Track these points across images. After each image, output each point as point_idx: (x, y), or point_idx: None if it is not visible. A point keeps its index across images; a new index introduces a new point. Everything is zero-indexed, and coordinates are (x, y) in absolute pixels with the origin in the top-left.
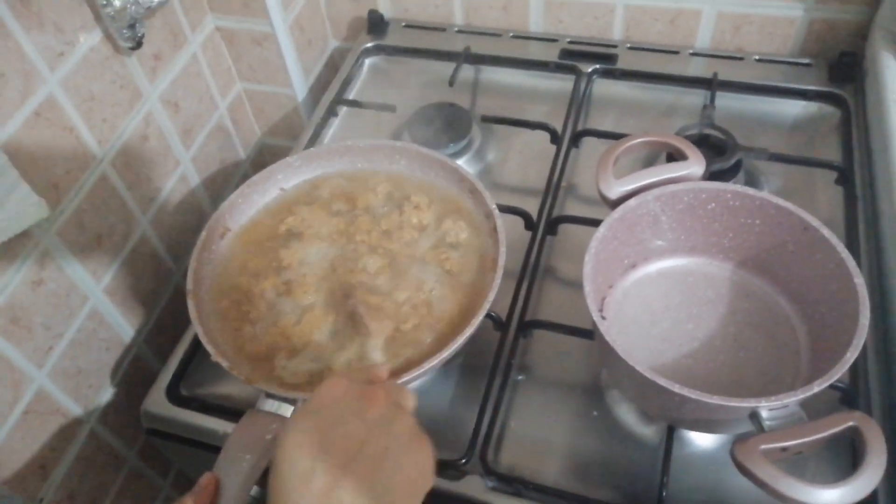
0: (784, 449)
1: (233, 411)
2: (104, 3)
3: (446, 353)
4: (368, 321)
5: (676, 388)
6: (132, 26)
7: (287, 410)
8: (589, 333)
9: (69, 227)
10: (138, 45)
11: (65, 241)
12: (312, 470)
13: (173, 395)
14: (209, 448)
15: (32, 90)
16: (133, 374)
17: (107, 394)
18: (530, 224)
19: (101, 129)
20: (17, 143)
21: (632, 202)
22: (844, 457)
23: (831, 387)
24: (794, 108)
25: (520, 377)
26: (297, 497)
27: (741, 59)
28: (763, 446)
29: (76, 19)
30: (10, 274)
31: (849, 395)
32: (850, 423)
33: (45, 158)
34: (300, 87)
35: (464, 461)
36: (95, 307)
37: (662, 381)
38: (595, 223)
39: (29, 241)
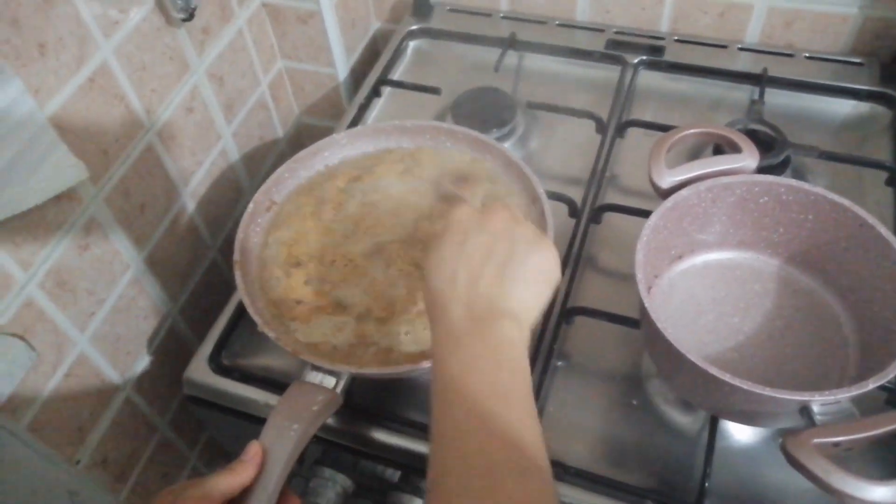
0: (836, 444)
1: (273, 382)
2: None
3: None
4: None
5: (728, 378)
6: None
7: (331, 383)
8: (632, 322)
9: (115, 194)
10: (191, 16)
11: (111, 209)
12: (455, 274)
13: (215, 363)
14: (247, 417)
15: (88, 56)
16: (168, 344)
17: (143, 362)
18: (574, 211)
19: (149, 99)
20: (71, 109)
21: (684, 192)
22: (889, 455)
23: (879, 387)
24: (844, 108)
25: (560, 363)
26: (447, 297)
27: (791, 55)
28: (816, 440)
29: None
30: (59, 237)
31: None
32: None
33: (97, 125)
34: (342, 67)
35: None
36: (136, 275)
37: (714, 371)
38: (640, 213)
39: (78, 206)
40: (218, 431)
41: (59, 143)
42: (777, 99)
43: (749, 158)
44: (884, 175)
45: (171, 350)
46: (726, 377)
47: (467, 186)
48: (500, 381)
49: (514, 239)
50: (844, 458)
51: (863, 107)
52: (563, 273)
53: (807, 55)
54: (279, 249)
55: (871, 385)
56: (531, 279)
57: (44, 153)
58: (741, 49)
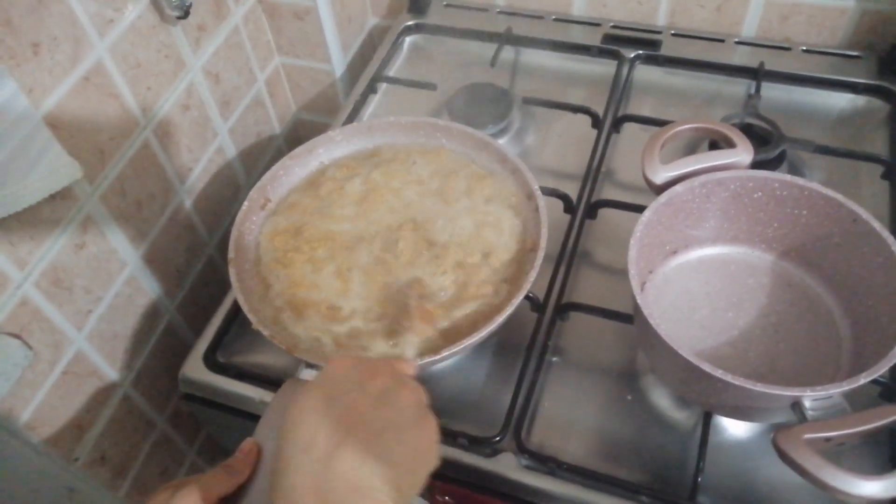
0: (828, 439)
1: (268, 379)
2: None
3: (485, 332)
4: (417, 317)
5: (719, 374)
6: None
7: None
8: (626, 317)
9: (111, 192)
10: (186, 14)
11: (107, 207)
12: (314, 438)
13: (210, 361)
14: (243, 414)
15: (82, 55)
16: (165, 342)
17: (140, 359)
18: (570, 207)
19: (145, 97)
20: (65, 108)
21: (678, 188)
22: (881, 450)
23: (872, 381)
24: (840, 101)
25: (554, 359)
26: (298, 464)
27: (788, 49)
28: (807, 435)
29: None
30: (55, 236)
31: (890, 390)
32: None
33: (92, 123)
34: (338, 63)
35: (498, 439)
36: (133, 273)
37: (706, 367)
38: (636, 209)
39: (73, 204)
40: (215, 428)
41: (54, 143)
42: (774, 93)
43: (743, 153)
44: (880, 169)
45: (168, 347)
46: (718, 373)
47: (426, 319)
48: None
49: (393, 405)
50: (836, 452)
51: (859, 100)
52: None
53: (804, 49)
54: (276, 246)
55: (862, 380)
56: (404, 463)
57: (38, 153)
58: (738, 43)
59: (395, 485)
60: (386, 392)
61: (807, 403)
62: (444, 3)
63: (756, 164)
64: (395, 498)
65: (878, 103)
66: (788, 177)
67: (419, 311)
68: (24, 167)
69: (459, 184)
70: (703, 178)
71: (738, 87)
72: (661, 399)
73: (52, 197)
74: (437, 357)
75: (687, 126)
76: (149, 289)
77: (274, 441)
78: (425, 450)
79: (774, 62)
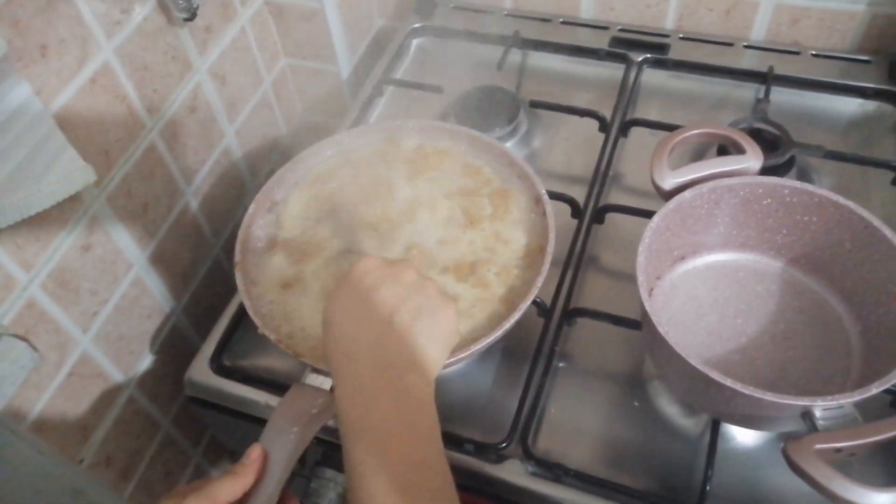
0: (838, 450)
1: (274, 383)
2: None
3: (491, 338)
4: None
5: (728, 383)
6: None
7: (331, 384)
8: (633, 323)
9: (118, 194)
10: (192, 16)
11: (113, 208)
12: (361, 327)
13: (216, 365)
14: (248, 418)
15: (89, 57)
16: (171, 343)
17: (146, 361)
18: (577, 212)
19: (151, 99)
20: (72, 109)
21: (687, 194)
22: (892, 461)
23: (884, 390)
24: (850, 106)
25: (561, 364)
26: (353, 347)
27: (797, 53)
28: (818, 446)
29: None
30: (62, 237)
31: None
32: None
33: (98, 125)
34: (345, 65)
35: (504, 445)
36: (139, 275)
37: (715, 375)
38: (644, 214)
39: (80, 206)
40: (220, 431)
41: (68, 147)
42: (783, 97)
43: (753, 159)
44: (890, 175)
45: (174, 348)
46: (727, 382)
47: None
48: (419, 449)
49: (423, 293)
50: (847, 463)
51: (869, 105)
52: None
53: (813, 53)
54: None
55: (874, 390)
56: (437, 334)
57: (52, 157)
58: (747, 47)
59: (433, 357)
60: (415, 282)
61: (817, 413)
62: (452, 5)
63: (765, 170)
64: (433, 368)
65: (888, 108)
66: (798, 183)
67: None
68: (38, 171)
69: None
70: (711, 184)
71: (747, 92)
72: (669, 406)
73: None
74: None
75: (696, 131)
76: (154, 290)
77: (280, 447)
78: (451, 328)
79: (784, 66)
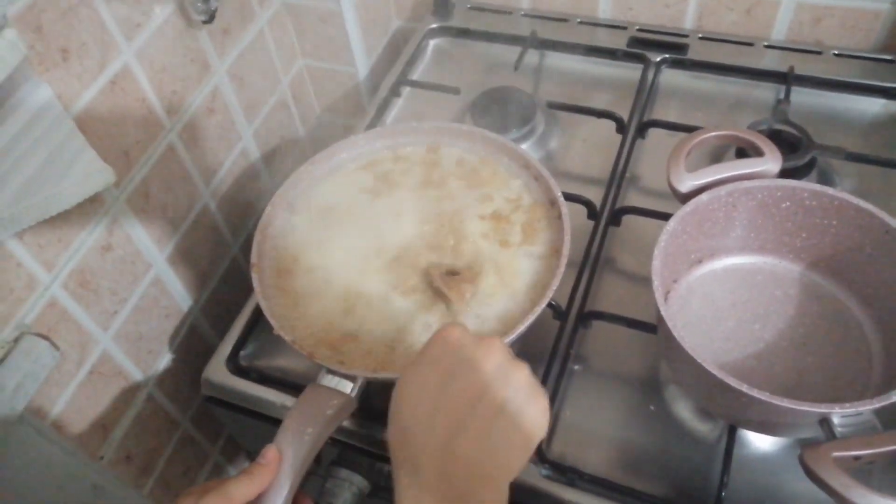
0: (857, 458)
1: (290, 384)
2: None
3: (507, 340)
4: (447, 290)
5: (745, 389)
6: (207, 0)
7: (346, 387)
8: (649, 327)
9: (137, 195)
10: (211, 18)
11: (133, 209)
12: (433, 421)
13: (233, 364)
14: (264, 418)
15: (110, 60)
16: (189, 343)
17: (164, 360)
18: (593, 213)
19: (170, 101)
20: (93, 111)
21: (704, 197)
22: None
23: None
24: (873, 107)
25: (576, 367)
26: (419, 446)
27: (819, 52)
28: (835, 454)
29: None
30: (82, 238)
31: None
32: None
33: (118, 127)
34: (362, 66)
35: None
36: (158, 275)
37: (731, 381)
38: (661, 216)
39: (100, 207)
40: (237, 431)
41: (88, 148)
42: (804, 98)
43: (771, 162)
44: None
45: (192, 348)
46: (743, 387)
47: (457, 285)
48: None
49: (508, 384)
50: (866, 471)
51: (893, 106)
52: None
53: (835, 52)
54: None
55: (894, 397)
56: (520, 437)
57: (72, 158)
58: (767, 47)
59: (510, 464)
60: (500, 370)
61: (835, 420)
62: (469, 5)
63: (785, 172)
64: (509, 476)
65: None
66: (818, 186)
67: (445, 284)
68: (59, 172)
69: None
70: (729, 187)
71: (767, 92)
72: (685, 411)
73: (80, 201)
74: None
75: (714, 133)
76: (173, 290)
77: (295, 448)
78: (537, 426)
79: (805, 66)
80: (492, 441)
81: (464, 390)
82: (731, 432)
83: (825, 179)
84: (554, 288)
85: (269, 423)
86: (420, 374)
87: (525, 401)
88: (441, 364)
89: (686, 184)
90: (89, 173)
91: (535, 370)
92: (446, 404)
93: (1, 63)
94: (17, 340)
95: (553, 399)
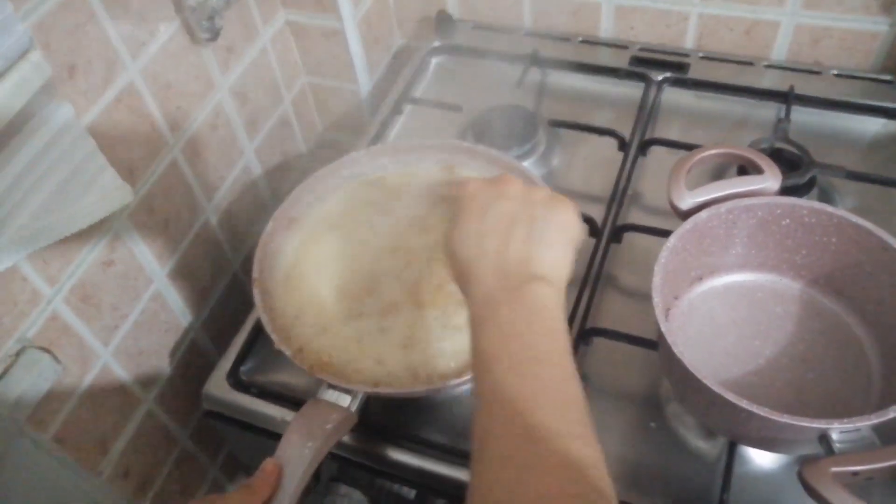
0: (855, 473)
1: (290, 399)
2: None
3: None
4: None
5: (744, 404)
6: (211, 18)
7: (346, 401)
8: (651, 344)
9: (140, 210)
10: (215, 36)
11: (135, 225)
12: (482, 243)
13: (233, 379)
14: (264, 433)
15: (115, 77)
16: (189, 358)
17: (164, 375)
18: (595, 231)
19: (174, 117)
20: (98, 128)
21: (703, 214)
22: None
23: None
24: (873, 126)
25: None
26: (479, 263)
27: (818, 73)
28: (834, 469)
29: (159, 9)
30: (84, 253)
31: None
32: None
33: (123, 143)
34: (364, 83)
35: None
36: (159, 290)
37: (730, 396)
38: (662, 233)
39: (103, 223)
40: (237, 446)
41: (107, 167)
42: (804, 117)
43: (771, 180)
44: None
45: (192, 363)
46: (743, 403)
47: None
48: (539, 345)
49: (533, 202)
50: (865, 487)
51: (892, 125)
52: (577, 304)
53: (835, 72)
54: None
55: (891, 413)
56: (556, 239)
57: (92, 177)
58: (767, 66)
59: (557, 260)
60: (522, 192)
61: (834, 436)
62: (471, 24)
63: (786, 190)
64: (561, 271)
65: None
66: (816, 204)
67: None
68: (78, 191)
69: None
70: (729, 204)
71: (768, 111)
72: (686, 428)
73: None
74: (462, 380)
75: (713, 151)
76: (174, 306)
77: (295, 461)
78: (569, 226)
79: (805, 86)
80: (534, 243)
81: (499, 216)
82: (732, 449)
83: (826, 198)
84: None
85: (270, 438)
86: (461, 222)
87: (552, 208)
88: (474, 207)
89: (686, 201)
90: (107, 192)
91: None
92: (489, 231)
93: (26, 84)
94: (19, 354)
95: None
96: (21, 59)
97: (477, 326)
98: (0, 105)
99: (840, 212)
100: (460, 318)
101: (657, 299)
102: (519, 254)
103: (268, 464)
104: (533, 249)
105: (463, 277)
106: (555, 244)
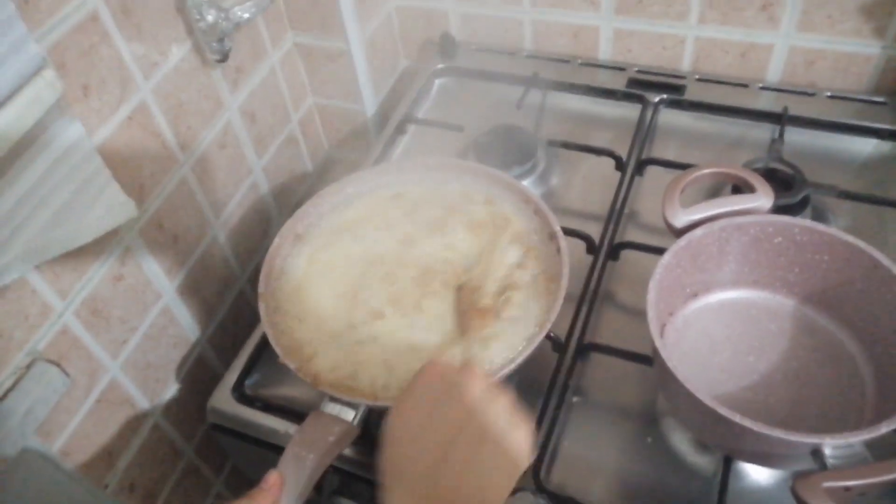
0: (847, 488)
1: (294, 412)
2: (197, 17)
3: (505, 370)
4: (475, 317)
5: (738, 419)
6: (221, 40)
7: (349, 414)
8: (647, 359)
9: (150, 226)
10: (225, 58)
11: (145, 240)
12: (418, 450)
13: (238, 393)
14: (269, 446)
15: (128, 96)
16: (196, 373)
17: (171, 389)
18: (592, 248)
19: (184, 136)
20: (110, 145)
21: (697, 231)
22: None
23: None
24: (866, 147)
25: (575, 399)
26: (406, 476)
27: (812, 94)
28: (826, 484)
29: (171, 32)
30: (96, 268)
31: None
32: None
33: (134, 160)
34: (370, 104)
35: None
36: (167, 305)
37: (724, 411)
38: (658, 251)
39: (114, 237)
40: (241, 459)
41: (113, 183)
42: (798, 137)
43: (763, 198)
44: None
45: (198, 378)
46: (736, 418)
47: (480, 316)
48: None
49: (489, 413)
50: (859, 503)
51: (885, 146)
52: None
53: (829, 94)
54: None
55: (883, 429)
56: (502, 463)
57: (98, 192)
58: (762, 88)
59: (494, 492)
60: (482, 398)
61: (827, 451)
62: (474, 46)
63: (779, 209)
64: (494, 498)
65: None
66: (808, 222)
67: (474, 312)
68: (85, 205)
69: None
70: (722, 222)
71: (763, 132)
72: (682, 443)
73: None
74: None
75: (707, 171)
76: (182, 320)
77: (297, 473)
78: (519, 453)
79: (799, 107)
80: (475, 470)
81: (447, 418)
82: (727, 465)
83: (819, 217)
84: (552, 320)
85: (274, 451)
86: (406, 405)
87: (507, 428)
88: (426, 398)
89: (680, 219)
90: (113, 207)
91: (533, 401)
92: (431, 434)
93: (39, 102)
94: (29, 366)
95: (551, 430)
96: (34, 76)
97: None
98: (14, 121)
99: (831, 230)
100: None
101: (651, 314)
102: (454, 482)
103: (270, 475)
104: (471, 479)
105: (389, 477)
106: (497, 470)
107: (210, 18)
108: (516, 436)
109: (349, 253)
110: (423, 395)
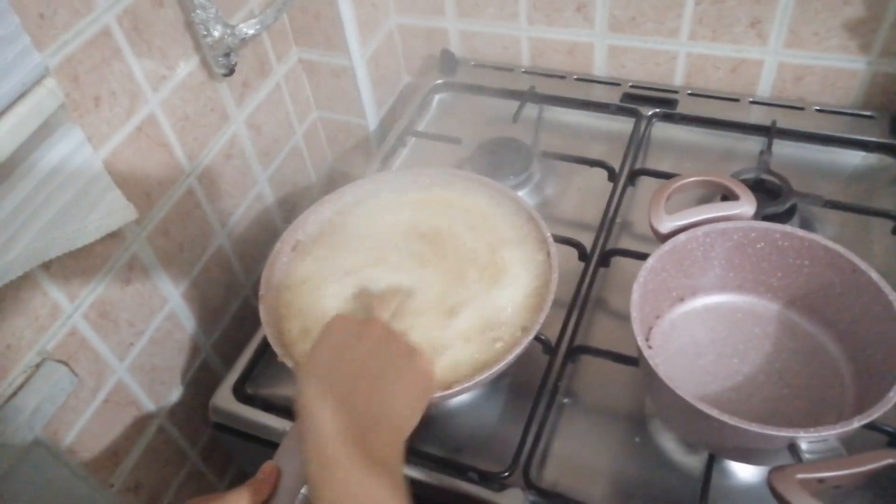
0: (821, 480)
1: (293, 411)
2: (204, 33)
3: (495, 370)
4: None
5: (715, 414)
6: (227, 55)
7: None
8: (634, 361)
9: (157, 234)
10: (231, 72)
11: (152, 247)
12: (326, 393)
13: (239, 392)
14: (270, 444)
15: (137, 108)
16: (200, 377)
17: (176, 392)
18: (584, 255)
19: (191, 147)
20: (120, 155)
21: (681, 237)
22: (884, 495)
23: (879, 430)
24: (853, 159)
25: (565, 400)
26: (322, 410)
27: (801, 108)
28: (800, 475)
29: (179, 47)
30: (104, 272)
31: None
32: (890, 461)
33: (142, 170)
34: (373, 118)
35: (507, 474)
36: (173, 310)
37: (702, 406)
38: (646, 257)
39: (122, 243)
40: (243, 458)
41: (113, 188)
42: (787, 150)
43: (746, 205)
44: (890, 224)
45: (203, 382)
46: (714, 413)
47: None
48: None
49: (388, 350)
50: (836, 496)
51: (871, 158)
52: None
53: (817, 108)
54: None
55: (855, 423)
56: (404, 391)
57: (98, 196)
58: (752, 102)
59: (401, 416)
60: (381, 339)
61: (803, 446)
62: (472, 62)
63: (767, 218)
64: (404, 425)
65: (889, 161)
66: (789, 227)
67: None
68: (85, 209)
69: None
70: (706, 227)
71: (753, 145)
72: (668, 442)
73: (104, 236)
74: (448, 392)
75: (692, 179)
76: (187, 325)
77: (292, 465)
78: (421, 381)
79: (788, 121)
80: (378, 398)
81: (351, 361)
82: (710, 462)
83: (806, 226)
84: (541, 321)
85: (274, 449)
86: (316, 356)
87: (405, 362)
88: (331, 346)
89: (665, 225)
90: (113, 210)
91: (524, 402)
92: (338, 375)
93: (40, 109)
94: (38, 366)
95: (541, 430)
96: (37, 84)
97: (313, 482)
98: (17, 126)
99: (811, 235)
100: (451, 332)
101: (635, 315)
102: (364, 405)
103: (267, 465)
104: (379, 401)
105: (303, 415)
106: (401, 397)
107: (217, 34)
108: (417, 363)
109: (347, 258)
110: (329, 345)
